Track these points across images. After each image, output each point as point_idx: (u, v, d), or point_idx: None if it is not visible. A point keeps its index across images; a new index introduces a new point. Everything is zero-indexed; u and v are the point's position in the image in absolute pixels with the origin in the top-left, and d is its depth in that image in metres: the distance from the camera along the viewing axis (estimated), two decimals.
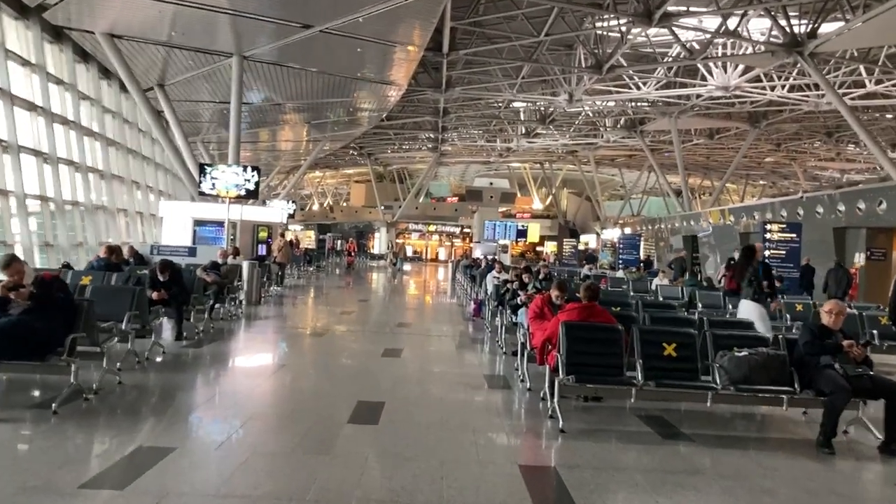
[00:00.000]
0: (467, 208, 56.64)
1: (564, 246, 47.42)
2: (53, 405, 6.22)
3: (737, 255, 23.20)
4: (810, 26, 21.45)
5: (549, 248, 52.80)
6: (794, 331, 12.28)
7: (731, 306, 15.72)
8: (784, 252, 20.44)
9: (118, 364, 8.10)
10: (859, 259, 21.74)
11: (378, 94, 27.04)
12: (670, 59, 26.66)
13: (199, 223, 20.71)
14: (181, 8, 16.75)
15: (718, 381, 6.76)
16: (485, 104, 35.61)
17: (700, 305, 15.83)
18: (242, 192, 17.34)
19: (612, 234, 42.88)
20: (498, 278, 15.71)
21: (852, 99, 27.35)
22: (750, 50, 24.60)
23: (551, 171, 56.41)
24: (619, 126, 39.39)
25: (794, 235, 20.55)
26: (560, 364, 6.88)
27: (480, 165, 58.27)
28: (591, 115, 37.95)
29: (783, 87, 28.01)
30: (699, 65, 26.35)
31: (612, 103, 34.30)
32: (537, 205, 60.85)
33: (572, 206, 60.37)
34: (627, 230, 39.83)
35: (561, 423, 6.58)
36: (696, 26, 23.32)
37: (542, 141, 42.74)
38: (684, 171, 36.53)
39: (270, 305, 17.07)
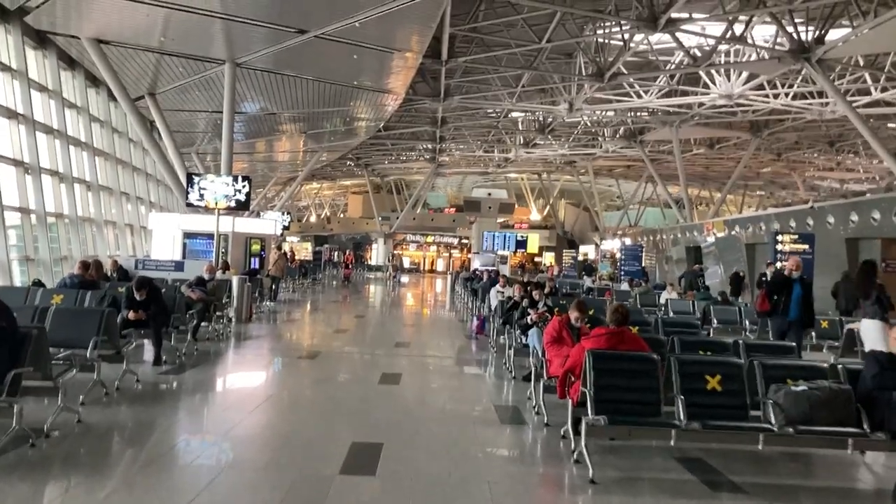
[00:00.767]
0: (465, 219, 55.56)
1: (564, 257, 46.39)
2: None
3: (745, 270, 21.91)
4: (817, 32, 20.55)
5: (548, 258, 51.70)
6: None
7: (747, 323, 14.81)
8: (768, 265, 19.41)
9: (81, 398, 7.03)
10: None
11: (375, 104, 26.03)
12: (673, 67, 25.72)
13: (189, 236, 19.61)
14: (171, 12, 15.70)
15: (773, 421, 5.69)
16: (483, 114, 34.64)
17: (715, 322, 14.83)
18: (232, 203, 16.24)
19: (612, 244, 41.82)
20: (502, 293, 14.64)
21: (857, 107, 26.41)
22: (755, 57, 23.72)
23: (549, 182, 55.39)
24: (618, 136, 38.42)
25: (806, 247, 19.50)
26: (588, 401, 5.80)
27: (478, 176, 57.28)
28: (589, 124, 36.99)
29: (787, 94, 27.07)
30: (702, 73, 25.44)
31: (611, 113, 33.37)
32: (535, 216, 59.81)
33: (570, 216, 59.33)
34: (628, 241, 38.74)
35: (591, 471, 5.50)
36: (701, 32, 22.40)
37: (540, 151, 41.75)
38: (685, 181, 35.47)
39: (261, 323, 15.95)
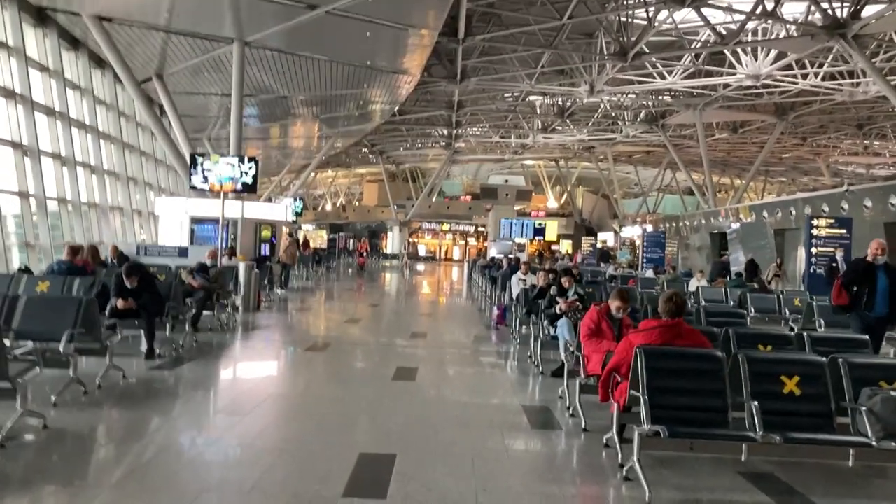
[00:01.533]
0: (481, 207, 54.40)
1: (583, 244, 45.23)
2: None
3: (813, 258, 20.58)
4: (853, 7, 19.28)
5: (565, 246, 50.47)
6: None
7: (787, 311, 13.71)
8: (832, 249, 18.24)
9: (54, 398, 6.10)
10: None
11: (390, 85, 24.96)
12: (699, 45, 24.44)
13: (196, 221, 18.70)
14: None
15: (868, 431, 4.64)
16: (500, 97, 33.50)
17: (752, 310, 13.73)
18: (238, 186, 15.23)
19: (632, 231, 40.61)
20: (524, 281, 13.60)
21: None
22: (785, 34, 22.46)
23: (566, 169, 54.08)
24: (638, 120, 37.12)
25: (843, 231, 18.35)
26: (643, 409, 4.77)
27: (494, 164, 56.05)
28: (609, 108, 35.72)
29: (816, 75, 25.73)
30: (727, 52, 24.19)
31: (632, 95, 32.12)
32: (552, 203, 58.53)
33: (588, 203, 58.00)
34: (649, 227, 37.51)
35: (647, 493, 4.48)
36: (730, 7, 21.18)
37: (558, 136, 40.51)
38: (709, 166, 34.16)
39: (270, 312, 14.99)
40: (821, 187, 47.89)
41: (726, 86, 27.67)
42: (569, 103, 34.31)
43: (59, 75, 17.65)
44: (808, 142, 39.05)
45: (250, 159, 15.77)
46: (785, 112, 32.36)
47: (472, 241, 58.37)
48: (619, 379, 5.46)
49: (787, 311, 13.61)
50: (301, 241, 34.23)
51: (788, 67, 24.92)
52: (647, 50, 23.78)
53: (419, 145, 46.77)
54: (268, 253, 19.78)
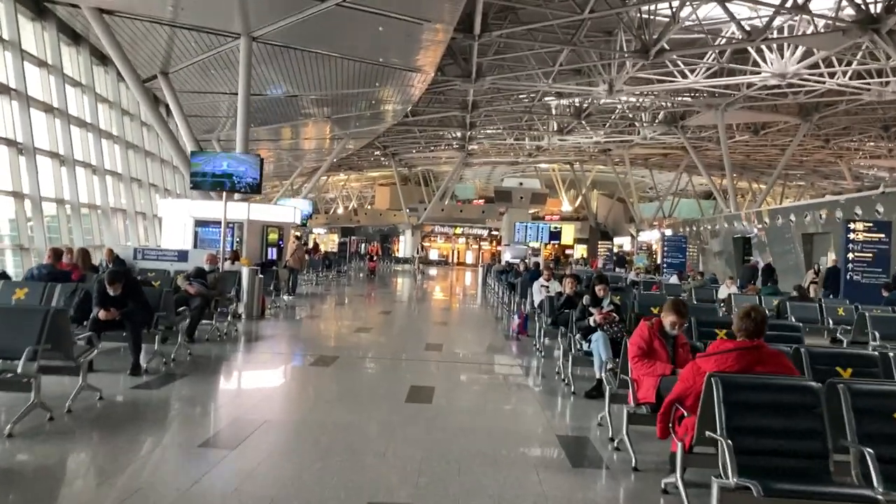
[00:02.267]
0: (495, 210, 53.34)
1: (599, 248, 44.07)
2: None
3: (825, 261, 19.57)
4: (888, 1, 18.23)
5: (580, 250, 49.36)
6: None
7: (830, 322, 12.62)
8: (871, 255, 17.14)
9: (9, 428, 5.15)
10: None
11: (403, 84, 23.98)
12: (723, 42, 23.35)
13: (200, 224, 17.77)
14: None
15: None
16: (516, 97, 32.49)
17: (793, 320, 12.63)
18: (242, 185, 14.24)
19: (650, 235, 39.46)
20: (547, 287, 12.56)
21: None
22: (813, 30, 21.40)
23: (581, 173, 52.93)
24: (656, 122, 36.00)
25: (882, 235, 17.22)
26: (725, 457, 3.74)
27: (507, 167, 54.99)
28: (627, 110, 34.64)
29: (844, 73, 24.56)
30: (752, 50, 23.08)
31: (651, 96, 31.02)
32: (566, 206, 57.39)
33: (603, 207, 56.78)
34: (668, 231, 36.34)
35: None
36: (757, 0, 20.17)
37: (574, 138, 39.42)
38: (731, 168, 32.97)
39: (274, 320, 13.99)
40: (842, 191, 46.63)
41: (750, 85, 26.55)
42: (586, 104, 33.29)
43: (57, 71, 16.79)
44: (830, 144, 37.79)
45: (255, 156, 14.78)
46: (809, 113, 31.19)
47: (485, 245, 57.29)
48: (686, 413, 4.44)
49: (831, 322, 12.53)
50: (311, 244, 33.31)
51: (815, 66, 23.78)
52: (667, 47, 22.71)
53: (432, 147, 45.78)
54: (275, 257, 18.83)
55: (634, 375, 5.51)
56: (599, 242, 48.25)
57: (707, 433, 4.02)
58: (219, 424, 6.06)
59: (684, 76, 25.89)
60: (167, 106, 21.24)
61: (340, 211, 67.80)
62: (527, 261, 23.33)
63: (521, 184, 50.73)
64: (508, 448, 5.65)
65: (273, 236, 19.06)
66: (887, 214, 19.30)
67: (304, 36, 18.27)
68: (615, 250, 43.16)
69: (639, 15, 22.06)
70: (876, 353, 6.00)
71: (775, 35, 22.21)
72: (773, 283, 16.07)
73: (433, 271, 42.79)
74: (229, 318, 11.51)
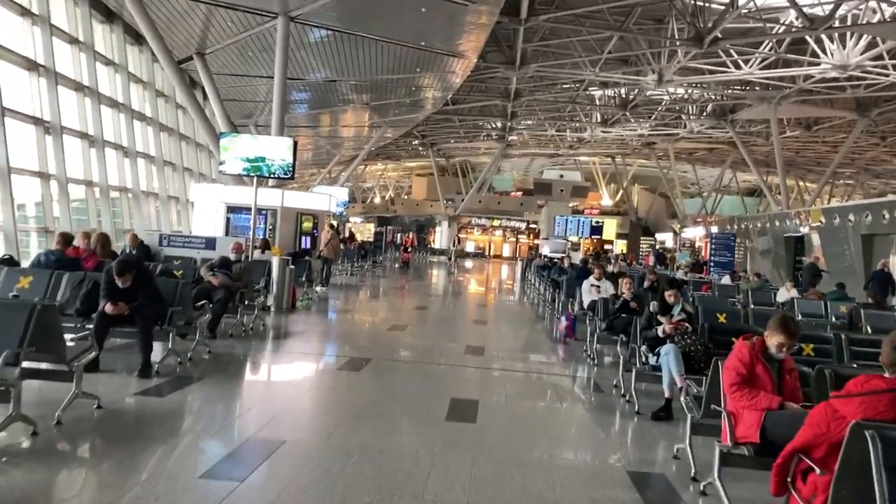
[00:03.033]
0: (533, 203, 51.97)
1: (641, 245, 42.62)
2: None
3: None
4: None
5: (619, 246, 47.82)
6: None
7: None
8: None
9: None
10: None
11: (444, 70, 22.92)
12: (782, 31, 21.85)
13: (232, 210, 16.97)
14: None
15: None
16: (560, 87, 31.22)
17: (869, 330, 11.37)
18: (274, 169, 13.33)
19: (694, 232, 37.92)
20: (598, 288, 11.47)
21: None
22: (880, 18, 19.87)
23: (623, 166, 51.31)
24: (704, 115, 34.40)
25: None
26: None
27: (546, 159, 53.58)
28: (673, 102, 33.12)
29: None
30: (810, 40, 21.57)
31: (700, 88, 29.52)
32: (606, 201, 55.81)
33: (644, 202, 55.08)
34: (715, 228, 34.79)
35: None
36: None
37: (618, 130, 37.97)
38: (782, 164, 31.29)
39: (305, 314, 13.05)
40: (892, 191, 44.54)
41: (807, 77, 24.99)
42: (632, 95, 31.90)
43: (89, 48, 16.05)
44: (886, 141, 35.83)
45: (288, 139, 13.84)
46: (867, 108, 29.40)
47: (522, 238, 56.03)
48: (816, 469, 3.37)
49: None
50: (347, 234, 32.48)
51: (878, 58, 22.20)
52: (721, 36, 21.31)
53: (471, 138, 44.63)
54: (308, 246, 17.97)
55: (731, 407, 4.43)
56: (642, 238, 46.69)
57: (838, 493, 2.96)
58: (229, 446, 5.10)
59: (738, 67, 24.44)
60: (204, 89, 20.52)
61: (377, 200, 67.02)
62: (570, 256, 22.13)
63: (561, 176, 49.20)
64: (572, 490, 4.62)
65: (307, 224, 18.20)
66: None
67: (342, 17, 17.38)
68: (657, 247, 41.62)
69: (693, 1, 20.71)
70: None
71: (838, 24, 20.68)
72: (840, 287, 14.72)
73: (469, 264, 41.71)
74: (256, 311, 10.61)
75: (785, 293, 15.14)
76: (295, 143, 13.70)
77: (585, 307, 11.40)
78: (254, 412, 6.17)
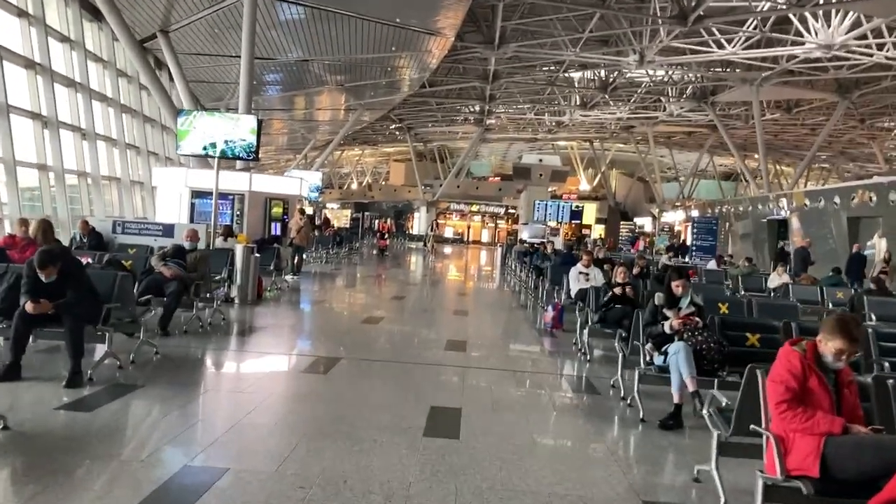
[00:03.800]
0: (512, 188, 50.98)
1: (621, 229, 41.84)
2: None
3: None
4: None
5: (597, 231, 47.00)
6: None
7: None
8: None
9: None
10: None
11: (421, 49, 21.84)
12: (767, 8, 21.01)
13: (198, 195, 15.84)
14: None
15: None
16: (539, 68, 30.21)
17: (874, 318, 10.57)
18: (236, 150, 12.22)
19: (674, 216, 37.22)
20: (586, 275, 10.56)
21: None
22: None
23: (601, 151, 50.44)
24: (684, 97, 33.60)
25: None
26: None
27: (524, 144, 52.59)
28: (653, 84, 32.24)
29: (895, 45, 22.17)
30: (794, 18, 20.78)
31: (680, 70, 28.64)
32: (584, 186, 54.94)
33: (622, 187, 54.29)
34: (695, 212, 34.04)
35: None
36: None
37: (597, 113, 37.06)
38: (764, 147, 30.57)
39: (272, 306, 11.97)
40: (871, 174, 44.03)
41: (791, 58, 24.24)
42: (612, 77, 31.00)
43: (40, 22, 14.77)
44: (865, 124, 35.25)
45: (251, 116, 12.71)
46: (848, 90, 28.77)
47: (501, 223, 55.11)
48: None
49: None
50: (322, 220, 31.31)
51: (863, 37, 21.47)
52: (704, 14, 20.43)
53: (449, 121, 43.50)
54: (279, 233, 16.89)
55: (779, 429, 3.51)
56: (621, 223, 45.95)
57: None
58: (159, 478, 4.08)
59: (720, 47, 23.60)
60: (169, 69, 19.31)
61: (354, 186, 65.74)
62: (550, 242, 21.22)
63: (540, 160, 48.10)
64: None
65: (277, 210, 17.10)
66: None
67: None
68: (636, 231, 40.87)
69: None
70: None
71: (823, 1, 19.87)
72: (836, 272, 13.94)
73: (447, 250, 40.65)
74: (216, 303, 9.56)
75: (777, 279, 14.36)
76: (259, 122, 12.59)
77: (573, 296, 10.51)
78: (197, 430, 5.15)
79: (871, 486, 3.10)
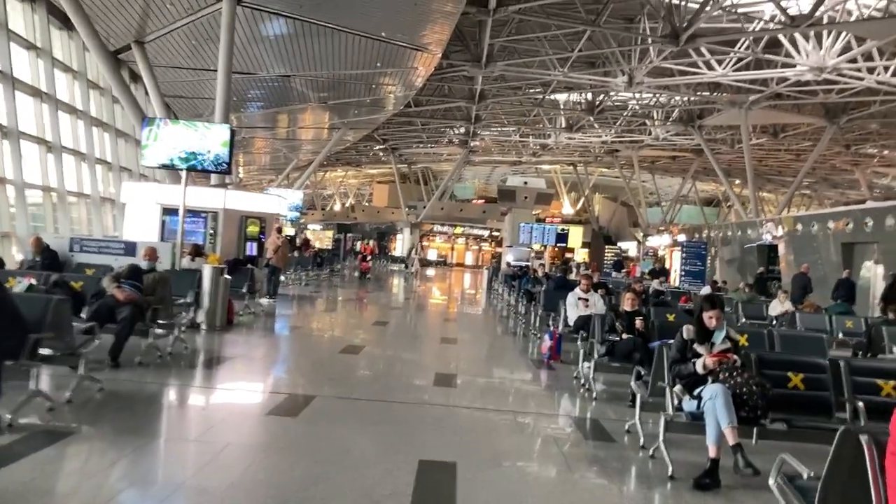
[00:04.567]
0: (496, 210, 50.09)
1: (606, 253, 40.97)
2: None
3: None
4: None
5: (581, 255, 46.15)
6: None
7: None
8: None
9: None
10: None
11: (407, 65, 20.98)
12: (759, 29, 20.40)
13: (168, 211, 14.74)
14: None
15: None
16: (525, 89, 29.49)
17: (894, 350, 9.67)
18: (207, 164, 11.17)
19: (660, 241, 36.48)
20: (586, 301, 9.60)
21: None
22: (858, 16, 18.67)
23: (585, 175, 49.76)
24: (670, 121, 32.95)
25: None
26: None
27: (508, 167, 51.85)
28: (641, 107, 31.59)
29: (886, 69, 21.64)
30: (785, 41, 20.17)
31: (669, 92, 27.98)
32: (567, 209, 54.16)
33: (606, 211, 53.51)
34: (682, 237, 33.26)
35: None
36: None
37: (583, 137, 36.35)
38: (752, 172, 29.98)
39: (244, 332, 10.87)
40: (853, 201, 43.62)
41: (781, 80, 23.62)
42: (598, 100, 30.32)
43: (1, 27, 13.73)
44: (850, 149, 34.80)
45: (223, 126, 11.66)
46: (837, 115, 28.21)
47: (485, 245, 54.11)
48: None
49: None
50: (301, 240, 30.18)
51: (854, 61, 20.91)
52: (695, 33, 19.77)
53: (434, 142, 42.61)
54: (255, 253, 15.80)
55: None
56: (606, 247, 45.08)
57: None
58: None
59: (710, 68, 22.95)
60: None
61: (337, 207, 64.63)
62: (542, 264, 20.26)
63: (525, 183, 47.24)
64: None
65: (253, 229, 16.01)
66: None
67: (297, 0, 15.38)
68: (621, 254, 40.07)
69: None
70: None
71: (820, 21, 19.27)
72: (842, 300, 13.08)
73: (431, 272, 39.45)
74: (178, 330, 8.47)
75: (778, 306, 13.47)
76: (233, 133, 11.53)
77: (571, 324, 9.54)
78: (130, 495, 4.08)
79: None
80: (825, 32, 19.82)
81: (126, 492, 4.12)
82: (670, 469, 4.89)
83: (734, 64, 22.44)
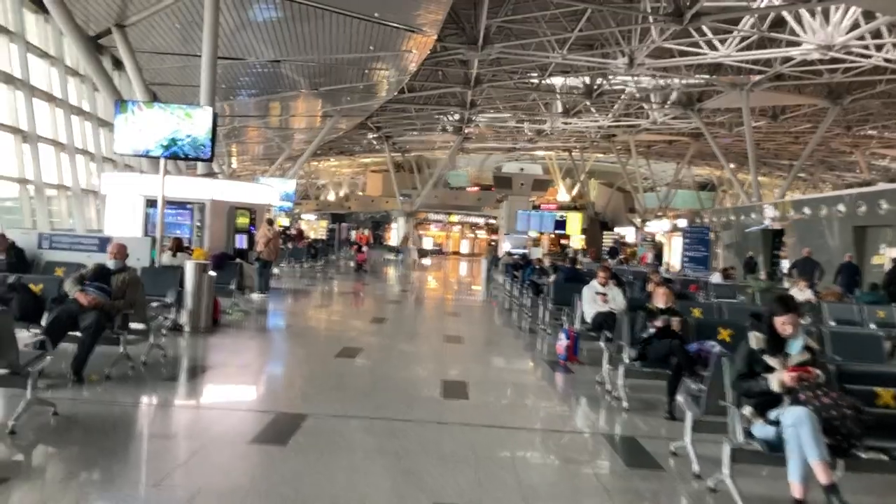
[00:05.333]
0: (491, 197, 49.04)
1: (605, 239, 39.99)
2: None
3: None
4: None
5: (578, 241, 45.20)
6: None
7: None
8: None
9: None
10: None
11: (400, 48, 19.92)
12: (765, 4, 19.35)
13: (153, 203, 13.66)
14: None
15: None
16: (521, 73, 28.43)
17: None
18: (186, 149, 10.09)
19: (659, 226, 35.54)
20: (605, 296, 8.63)
21: None
22: None
23: (581, 161, 48.71)
24: (668, 104, 31.88)
25: None
26: None
27: (503, 154, 50.76)
28: (640, 90, 30.56)
29: (894, 45, 20.66)
30: (790, 19, 19.17)
31: (669, 75, 26.95)
32: (563, 196, 53.12)
33: (602, 197, 52.49)
34: (683, 222, 32.30)
35: None
36: None
37: (580, 122, 35.31)
38: (754, 154, 29.00)
39: (230, 334, 9.83)
40: (851, 184, 42.72)
41: (786, 60, 22.62)
42: (596, 83, 29.28)
43: None
44: (851, 132, 33.84)
45: (205, 109, 10.58)
46: (839, 96, 27.23)
47: (481, 233, 53.08)
48: None
49: None
50: (294, 231, 29.14)
51: (861, 38, 19.90)
52: (699, 11, 18.75)
53: (428, 130, 41.47)
54: (245, 246, 14.76)
55: None
56: (604, 233, 44.11)
57: None
58: None
59: (713, 48, 21.92)
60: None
61: (331, 197, 63.49)
62: (527, 252, 19.24)
63: (521, 169, 46.07)
64: None
65: (243, 220, 14.97)
66: None
67: None
68: (618, 239, 39.10)
69: None
70: None
71: None
72: (873, 288, 12.15)
73: (427, 261, 38.32)
74: (152, 337, 7.44)
75: (799, 294, 12.48)
76: (215, 116, 10.45)
77: (589, 321, 8.58)
78: None
79: None
80: (832, 8, 18.82)
81: None
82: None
83: (738, 44, 21.44)
